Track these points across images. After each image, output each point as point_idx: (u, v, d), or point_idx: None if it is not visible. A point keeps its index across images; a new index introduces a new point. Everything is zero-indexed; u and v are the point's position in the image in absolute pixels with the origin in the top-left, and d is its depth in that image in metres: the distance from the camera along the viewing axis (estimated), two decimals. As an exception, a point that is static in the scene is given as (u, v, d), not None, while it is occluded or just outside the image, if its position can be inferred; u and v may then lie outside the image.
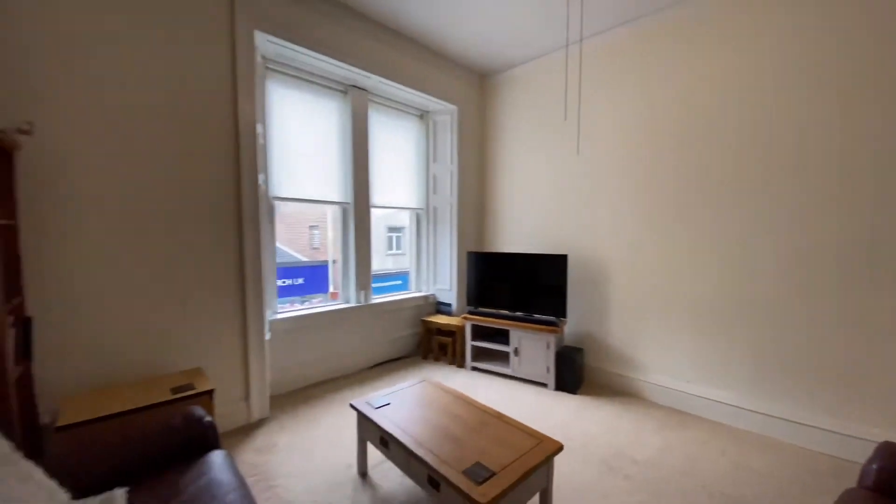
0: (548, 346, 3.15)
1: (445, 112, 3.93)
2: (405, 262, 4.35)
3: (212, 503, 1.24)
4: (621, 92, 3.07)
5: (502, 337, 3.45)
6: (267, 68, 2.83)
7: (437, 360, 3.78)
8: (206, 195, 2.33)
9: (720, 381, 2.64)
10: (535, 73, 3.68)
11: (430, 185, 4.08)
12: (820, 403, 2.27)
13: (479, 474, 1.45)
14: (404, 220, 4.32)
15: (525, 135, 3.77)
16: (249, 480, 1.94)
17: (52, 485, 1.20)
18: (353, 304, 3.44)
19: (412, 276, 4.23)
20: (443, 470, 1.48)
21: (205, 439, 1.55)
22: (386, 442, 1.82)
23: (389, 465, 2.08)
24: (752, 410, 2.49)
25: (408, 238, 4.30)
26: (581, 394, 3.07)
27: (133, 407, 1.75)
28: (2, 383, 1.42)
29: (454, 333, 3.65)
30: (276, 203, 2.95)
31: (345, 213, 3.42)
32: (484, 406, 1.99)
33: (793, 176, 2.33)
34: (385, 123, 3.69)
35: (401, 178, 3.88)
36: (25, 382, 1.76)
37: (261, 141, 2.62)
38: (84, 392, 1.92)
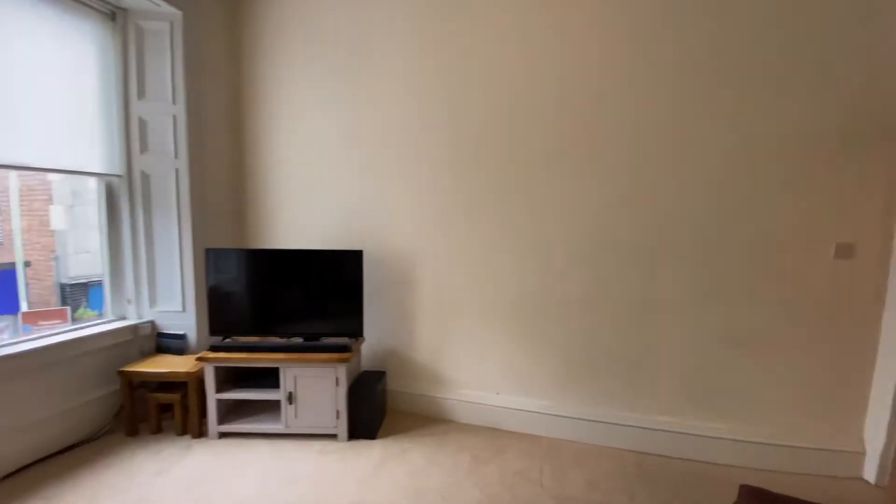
0: (337, 383, 2.22)
1: (160, 17, 2.35)
2: (96, 267, 2.55)
3: None
4: (425, 41, 2.39)
5: (268, 379, 2.28)
6: None
7: (155, 432, 2.26)
8: None
9: (532, 389, 2.37)
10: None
11: (132, 135, 2.40)
12: (618, 400, 2.23)
13: None
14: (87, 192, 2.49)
15: (313, 75, 2.58)
16: None
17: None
18: None
19: (106, 292, 2.48)
20: None
21: None
22: None
23: None
24: (565, 416, 2.28)
25: (95, 223, 2.50)
26: (382, 436, 2.31)
27: None
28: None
29: (185, 385, 2.23)
30: None
31: None
32: None
33: (589, 173, 2.18)
34: (28, 22, 1.85)
35: (66, 118, 2.11)
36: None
37: None
38: None
